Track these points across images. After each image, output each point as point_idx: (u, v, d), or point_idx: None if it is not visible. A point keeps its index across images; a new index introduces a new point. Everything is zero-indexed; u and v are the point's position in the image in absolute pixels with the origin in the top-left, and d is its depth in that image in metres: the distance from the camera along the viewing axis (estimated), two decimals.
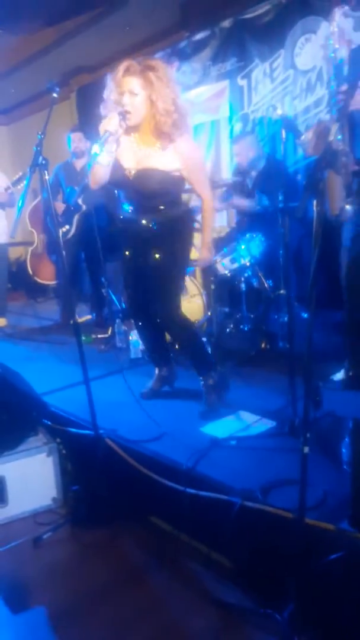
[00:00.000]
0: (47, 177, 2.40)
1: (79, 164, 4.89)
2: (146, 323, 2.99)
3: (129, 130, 2.58)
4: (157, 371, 3.09)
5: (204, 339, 3.41)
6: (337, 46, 2.33)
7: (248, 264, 3.78)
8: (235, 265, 3.80)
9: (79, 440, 2.62)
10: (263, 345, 3.65)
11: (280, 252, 3.59)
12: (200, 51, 5.41)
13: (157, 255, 2.71)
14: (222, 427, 2.54)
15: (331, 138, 1.63)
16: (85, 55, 6.76)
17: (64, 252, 2.60)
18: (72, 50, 6.40)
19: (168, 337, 3.13)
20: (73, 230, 4.79)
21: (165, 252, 2.71)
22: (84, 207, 4.76)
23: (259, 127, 4.86)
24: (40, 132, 2.40)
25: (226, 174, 5.24)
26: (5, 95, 8.18)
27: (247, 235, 3.85)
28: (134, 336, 3.88)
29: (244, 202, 4.21)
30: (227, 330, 3.83)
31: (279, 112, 2.56)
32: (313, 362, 1.69)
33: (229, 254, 3.83)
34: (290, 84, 4.61)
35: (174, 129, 2.53)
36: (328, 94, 3.00)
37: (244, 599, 1.84)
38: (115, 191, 2.91)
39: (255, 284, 3.86)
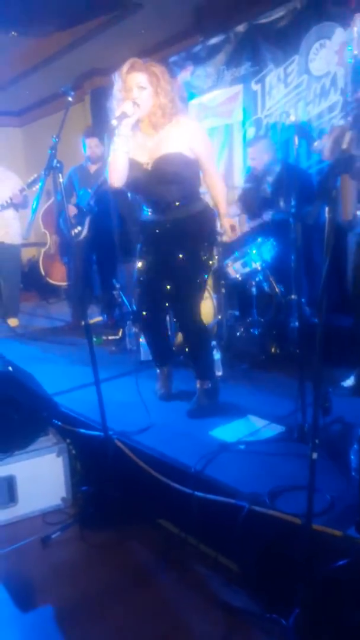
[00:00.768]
0: (61, 179, 2.42)
1: (93, 168, 4.93)
2: (155, 324, 3.01)
3: (134, 126, 2.65)
4: (162, 371, 3.12)
5: (213, 343, 3.42)
6: (356, 52, 2.34)
7: (259, 268, 3.79)
8: (247, 269, 3.81)
9: (88, 441, 2.64)
10: (273, 350, 3.66)
11: (292, 257, 3.59)
12: (214, 55, 5.42)
13: (180, 256, 2.73)
14: (231, 431, 2.55)
15: (345, 146, 1.63)
16: (100, 58, 6.80)
17: (75, 254, 2.62)
18: (86, 53, 6.44)
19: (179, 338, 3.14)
20: (85, 232, 4.82)
21: (187, 252, 2.73)
22: (95, 209, 4.80)
23: (272, 132, 4.87)
24: (55, 136, 2.43)
25: (239, 178, 5.25)
26: (19, 98, 8.25)
27: (259, 240, 3.86)
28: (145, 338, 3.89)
29: (257, 223, 4.20)
30: (238, 333, 3.83)
31: (292, 118, 2.56)
32: (323, 368, 1.69)
33: (240, 257, 3.84)
34: (304, 89, 4.61)
35: (168, 117, 2.64)
36: (343, 100, 3.00)
37: (250, 603, 1.84)
38: (136, 196, 2.93)
39: (266, 288, 3.87)
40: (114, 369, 3.64)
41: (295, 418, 2.47)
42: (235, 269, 3.83)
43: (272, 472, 2.14)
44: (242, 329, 3.84)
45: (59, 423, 2.81)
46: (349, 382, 2.88)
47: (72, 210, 4.76)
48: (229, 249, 4.08)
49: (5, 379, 2.67)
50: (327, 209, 1.61)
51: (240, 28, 5.10)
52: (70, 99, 2.48)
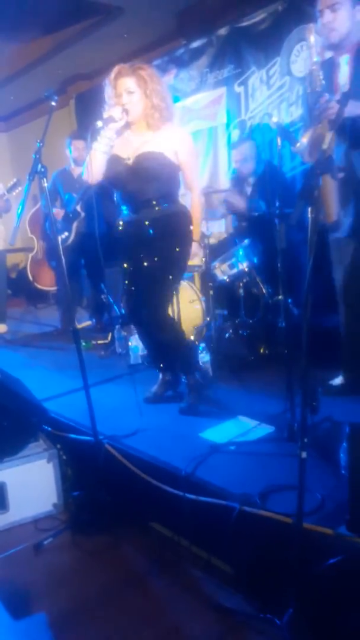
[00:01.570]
0: (45, 184, 2.42)
1: (78, 171, 4.92)
2: (141, 328, 3.01)
3: (125, 127, 2.69)
4: (160, 376, 3.11)
5: (202, 345, 3.43)
6: (315, 59, 2.41)
7: (246, 269, 3.81)
8: (234, 271, 3.83)
9: (79, 446, 2.63)
10: (262, 351, 3.67)
11: (278, 257, 3.60)
12: (197, 58, 5.45)
13: (152, 257, 2.76)
14: (221, 432, 2.55)
15: (325, 147, 1.65)
16: (83, 62, 6.80)
17: (63, 259, 2.62)
18: (70, 58, 6.44)
19: None
20: (72, 237, 4.81)
21: (160, 254, 2.76)
22: (82, 214, 4.79)
23: (255, 133, 4.90)
24: (39, 140, 2.43)
25: (224, 181, 5.27)
26: (4, 103, 8.23)
27: (245, 241, 3.88)
28: (134, 342, 3.90)
29: (240, 203, 4.22)
30: (226, 335, 3.84)
31: (275, 119, 2.59)
32: (310, 367, 1.70)
33: (227, 259, 3.85)
34: (287, 91, 4.64)
35: (164, 120, 2.70)
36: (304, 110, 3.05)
37: (244, 603, 1.85)
38: (114, 195, 2.96)
39: (253, 289, 3.88)
40: (104, 373, 3.64)
41: (284, 418, 2.48)
42: (222, 271, 3.85)
43: (263, 473, 2.15)
44: (230, 331, 3.86)
45: (49, 429, 2.80)
46: (338, 380, 2.90)
47: (59, 214, 4.75)
48: (216, 251, 4.10)
49: None
50: (309, 209, 1.63)
51: (223, 31, 5.14)
52: (53, 103, 2.48)
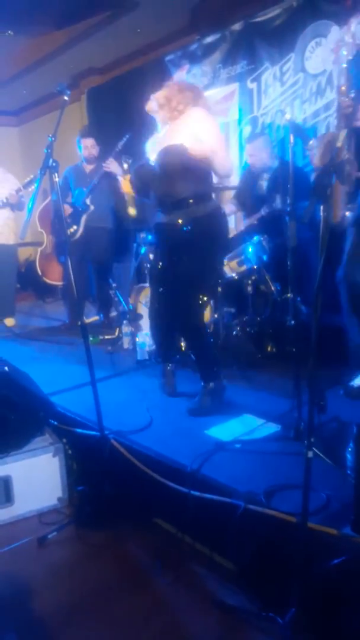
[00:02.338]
0: (57, 179, 2.42)
1: (89, 167, 4.92)
2: (165, 325, 3.03)
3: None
4: (165, 367, 3.13)
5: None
6: (349, 55, 2.35)
7: (255, 267, 3.79)
8: (243, 268, 3.81)
9: (85, 440, 2.64)
10: (269, 349, 3.66)
11: (288, 255, 3.59)
12: (210, 54, 5.42)
13: (186, 258, 2.70)
14: (227, 430, 2.55)
15: (339, 144, 1.63)
16: (96, 57, 6.79)
17: (71, 253, 2.62)
18: (83, 52, 6.43)
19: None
20: (81, 231, 4.82)
21: (194, 256, 2.69)
22: (91, 208, 4.79)
23: (269, 130, 4.87)
24: (51, 135, 2.43)
25: (235, 176, 5.24)
26: (16, 97, 8.24)
27: (255, 238, 3.86)
28: (141, 338, 3.89)
29: (254, 219, 4.21)
30: (234, 332, 3.83)
31: (288, 116, 2.56)
32: (321, 366, 1.69)
33: (236, 256, 3.83)
34: (300, 88, 4.60)
35: (185, 104, 2.70)
36: (337, 106, 3.01)
37: (247, 602, 1.84)
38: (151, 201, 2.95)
39: (262, 287, 3.86)
40: (111, 369, 3.64)
41: (291, 417, 2.47)
42: (231, 268, 3.83)
43: (268, 471, 2.14)
44: (238, 328, 3.84)
45: (55, 423, 2.81)
46: (358, 381, 2.87)
47: (67, 210, 4.76)
48: None
49: (1, 378, 2.67)
50: (321, 207, 1.61)
51: (236, 26, 5.10)
52: (66, 98, 2.47)
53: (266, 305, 3.82)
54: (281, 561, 1.76)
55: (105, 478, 2.44)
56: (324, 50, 4.36)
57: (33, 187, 4.80)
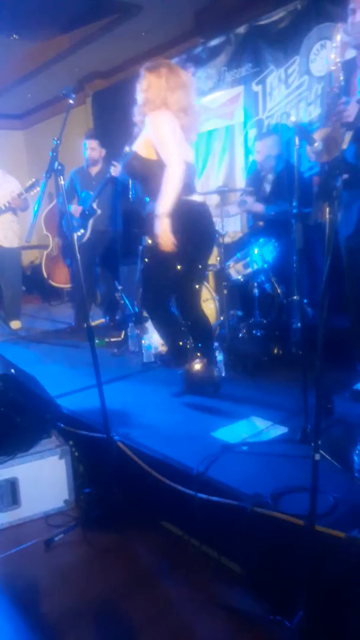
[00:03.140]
0: (62, 182, 2.43)
1: (94, 170, 4.94)
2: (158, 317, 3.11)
3: None
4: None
5: (215, 344, 3.42)
6: (337, 58, 2.39)
7: (261, 269, 3.79)
8: (249, 271, 3.81)
9: (91, 443, 2.64)
10: (275, 351, 3.65)
11: (294, 257, 3.59)
12: (215, 57, 5.44)
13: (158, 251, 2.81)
14: (234, 433, 2.55)
15: (345, 147, 1.63)
16: (101, 61, 6.82)
17: (78, 256, 2.62)
18: (88, 56, 6.46)
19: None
20: (88, 234, 4.83)
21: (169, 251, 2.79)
22: (98, 212, 4.81)
23: (276, 130, 4.87)
24: (56, 138, 2.44)
25: (240, 180, 5.25)
26: (21, 101, 8.28)
27: (261, 240, 3.86)
28: (147, 340, 3.90)
29: (259, 207, 4.21)
30: (240, 335, 3.83)
31: (293, 119, 2.56)
32: (327, 369, 1.69)
33: (242, 258, 3.84)
34: (305, 90, 4.61)
35: (148, 109, 2.79)
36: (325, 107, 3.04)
37: (254, 604, 1.84)
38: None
39: (268, 289, 3.87)
40: (117, 371, 3.64)
41: (298, 419, 2.47)
42: (237, 270, 3.84)
43: (275, 474, 2.13)
44: (244, 330, 3.84)
45: (62, 425, 2.81)
46: None
47: (77, 210, 4.78)
48: (231, 250, 4.09)
49: (7, 381, 2.68)
50: (327, 209, 1.61)
51: (241, 29, 5.11)
52: (71, 101, 2.49)
53: (272, 308, 3.82)
54: (288, 564, 1.75)
55: (111, 480, 2.44)
56: (329, 53, 4.36)
57: (35, 191, 4.82)
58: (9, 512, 2.47)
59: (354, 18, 2.49)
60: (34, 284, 7.54)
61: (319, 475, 1.64)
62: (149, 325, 4.10)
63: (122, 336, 4.45)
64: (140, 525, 2.33)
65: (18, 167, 7.52)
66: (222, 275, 3.91)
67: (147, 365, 3.80)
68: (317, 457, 1.64)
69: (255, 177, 4.44)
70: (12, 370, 2.78)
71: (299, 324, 3.48)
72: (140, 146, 2.80)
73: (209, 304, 4.16)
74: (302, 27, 4.54)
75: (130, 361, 3.98)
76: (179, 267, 2.85)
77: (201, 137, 5.79)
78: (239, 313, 4.12)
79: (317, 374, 1.68)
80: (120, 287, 4.68)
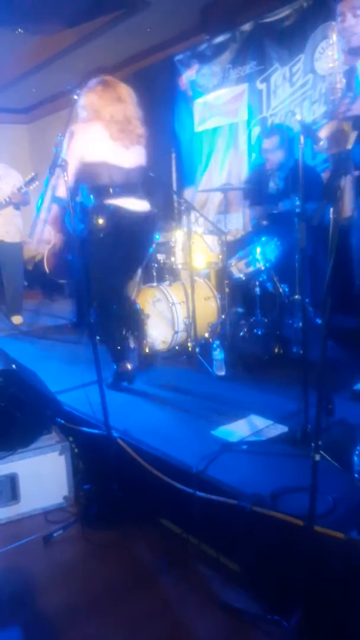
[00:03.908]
0: (66, 178, 2.42)
1: None
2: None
3: None
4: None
5: (217, 342, 3.42)
6: (337, 56, 2.38)
7: (263, 268, 3.78)
8: (250, 269, 3.80)
9: (91, 439, 2.64)
10: (277, 350, 3.65)
11: (296, 257, 3.58)
12: (220, 54, 5.42)
13: None
14: (234, 432, 2.54)
15: (350, 146, 1.63)
16: (106, 56, 6.79)
17: (80, 252, 2.62)
18: (93, 51, 6.44)
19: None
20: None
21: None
22: None
23: (280, 128, 4.85)
24: (60, 134, 2.43)
25: (244, 177, 5.24)
26: (25, 95, 8.26)
27: (263, 239, 3.85)
28: (148, 338, 3.89)
29: (260, 211, 4.20)
30: (241, 334, 3.83)
31: (298, 117, 2.55)
32: (327, 369, 1.69)
33: (244, 257, 3.83)
34: (310, 89, 4.60)
35: None
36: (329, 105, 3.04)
37: (252, 604, 1.84)
38: None
39: (270, 288, 3.86)
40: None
41: (298, 419, 2.46)
42: (238, 269, 3.83)
43: (275, 473, 2.14)
44: (245, 329, 3.84)
45: (62, 421, 2.81)
46: None
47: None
48: (233, 249, 4.08)
49: (8, 376, 2.67)
50: (331, 209, 1.61)
51: (246, 27, 5.10)
52: (76, 97, 2.48)
53: (274, 307, 3.82)
54: (287, 564, 1.76)
55: (111, 477, 2.44)
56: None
57: (35, 185, 4.78)
58: (8, 508, 2.47)
59: (343, 23, 2.48)
60: (36, 279, 7.52)
61: (318, 475, 1.64)
62: (150, 321, 4.10)
63: (123, 333, 4.43)
64: (139, 523, 2.33)
65: (21, 161, 7.51)
66: (224, 274, 3.90)
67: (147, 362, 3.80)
68: (317, 457, 1.64)
69: (258, 175, 4.42)
70: (13, 366, 2.77)
71: (301, 324, 3.48)
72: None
73: (210, 302, 4.15)
74: (307, 25, 4.52)
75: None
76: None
77: (205, 134, 5.78)
78: (240, 311, 4.11)
79: (319, 374, 1.68)
80: None
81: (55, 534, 2.32)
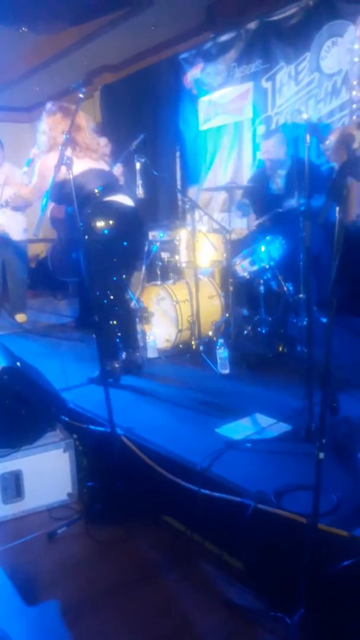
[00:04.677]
0: (71, 175, 2.43)
1: None
2: None
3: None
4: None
5: (221, 341, 3.43)
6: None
7: (267, 266, 3.78)
8: (255, 268, 3.80)
9: (95, 437, 2.65)
10: (281, 349, 3.65)
11: (301, 255, 3.58)
12: (225, 52, 5.42)
13: None
14: (238, 429, 2.55)
15: (356, 146, 1.63)
16: (110, 54, 6.80)
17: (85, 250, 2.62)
18: (97, 49, 6.45)
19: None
20: None
21: None
22: None
23: (283, 129, 4.85)
24: (65, 132, 2.44)
25: (248, 175, 5.23)
26: (29, 94, 8.27)
27: (268, 238, 3.85)
28: (152, 336, 3.90)
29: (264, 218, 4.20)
30: (245, 332, 3.83)
31: (304, 116, 2.55)
32: (331, 367, 1.69)
33: (248, 256, 3.83)
34: (315, 87, 4.59)
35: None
36: (349, 99, 3.02)
37: (255, 601, 1.85)
38: None
39: (274, 287, 3.86)
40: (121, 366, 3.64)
41: (302, 417, 2.46)
42: (243, 267, 3.83)
43: (279, 471, 2.14)
44: (249, 328, 3.84)
45: (66, 419, 2.82)
46: None
47: None
48: (237, 247, 4.08)
49: (13, 374, 2.68)
50: (337, 208, 1.61)
51: (252, 25, 5.10)
52: (81, 95, 2.49)
53: (278, 306, 3.82)
54: (290, 562, 1.76)
55: (115, 474, 2.45)
56: (340, 50, 4.34)
57: (32, 166, 4.69)
58: (13, 504, 2.48)
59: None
60: (40, 277, 7.54)
61: (322, 473, 1.64)
62: (154, 320, 4.11)
63: None
64: (143, 520, 2.34)
65: (25, 160, 7.50)
66: (228, 272, 3.90)
67: (151, 360, 3.80)
68: (322, 455, 1.64)
69: (260, 176, 4.42)
70: (18, 363, 2.78)
71: (305, 322, 3.48)
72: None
73: (214, 301, 4.16)
74: (313, 24, 4.52)
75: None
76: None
77: (210, 133, 5.78)
78: (245, 310, 4.11)
79: (324, 373, 1.68)
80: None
81: (59, 531, 2.33)
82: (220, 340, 3.44)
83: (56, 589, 2.03)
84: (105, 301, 3.16)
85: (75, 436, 2.69)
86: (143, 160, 3.69)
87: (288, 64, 4.80)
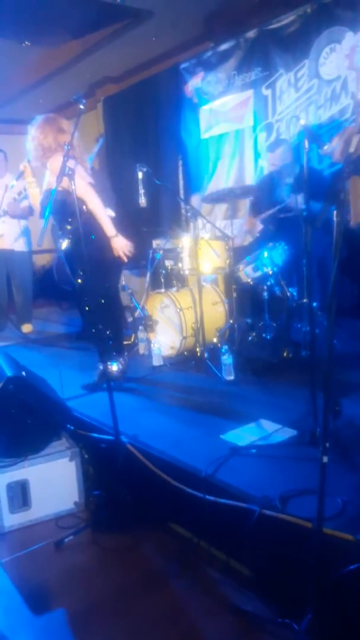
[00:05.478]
0: (73, 186, 2.46)
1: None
2: None
3: None
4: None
5: (225, 347, 3.43)
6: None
7: (271, 272, 3.78)
8: (258, 274, 3.81)
9: (101, 445, 2.65)
10: (285, 354, 3.64)
11: (303, 260, 3.58)
12: (225, 61, 5.46)
13: None
14: (243, 435, 2.55)
15: (352, 149, 1.64)
16: (112, 66, 6.86)
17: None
18: (99, 61, 6.50)
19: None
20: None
21: None
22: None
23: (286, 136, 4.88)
24: (67, 144, 2.46)
25: (250, 183, 5.25)
26: (32, 107, 8.34)
27: (271, 244, 3.86)
28: (157, 344, 3.91)
29: (270, 211, 4.19)
30: (249, 338, 3.83)
31: (302, 122, 2.57)
32: (336, 372, 1.69)
33: (251, 262, 3.84)
34: (315, 94, 4.61)
35: None
36: (354, 103, 3.03)
37: (262, 607, 1.84)
38: None
39: (278, 292, 3.86)
40: (126, 374, 3.65)
41: (307, 422, 2.46)
42: (246, 273, 3.83)
43: (284, 476, 2.14)
44: (253, 334, 3.84)
45: (72, 427, 2.83)
46: None
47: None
48: (241, 253, 4.09)
49: (19, 384, 2.69)
50: (334, 212, 1.62)
51: (251, 33, 5.13)
52: (82, 107, 2.51)
53: (282, 311, 3.82)
54: (297, 567, 1.75)
55: (121, 482, 2.45)
56: (339, 56, 4.37)
57: (27, 181, 4.70)
58: (20, 514, 2.49)
59: None
60: (45, 287, 7.57)
61: (327, 477, 1.64)
62: (159, 328, 4.12)
63: (132, 339, 4.47)
64: (149, 527, 2.34)
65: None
66: (231, 279, 3.91)
67: (156, 368, 3.81)
68: (325, 459, 1.64)
69: (267, 183, 4.42)
70: (24, 373, 2.80)
71: (309, 328, 3.47)
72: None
73: (218, 307, 4.17)
74: (311, 31, 4.55)
75: (139, 364, 3.99)
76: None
77: (211, 141, 5.81)
78: (249, 316, 4.11)
79: (325, 377, 1.68)
80: (129, 291, 4.70)
81: (66, 540, 2.33)
82: (225, 347, 3.45)
83: (63, 597, 2.03)
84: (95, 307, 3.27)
85: (81, 445, 2.70)
86: (145, 169, 3.72)
87: (287, 71, 4.83)
